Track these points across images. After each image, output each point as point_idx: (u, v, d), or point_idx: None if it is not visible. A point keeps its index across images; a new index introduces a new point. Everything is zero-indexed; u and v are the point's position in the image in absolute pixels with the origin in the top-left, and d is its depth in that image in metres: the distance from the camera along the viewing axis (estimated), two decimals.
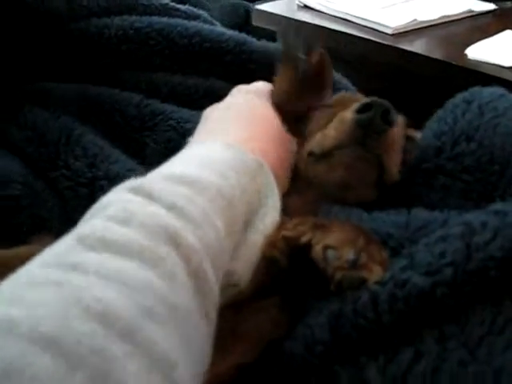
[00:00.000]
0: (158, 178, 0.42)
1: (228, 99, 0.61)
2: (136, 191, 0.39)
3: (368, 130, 0.48)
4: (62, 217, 0.64)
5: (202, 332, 0.35)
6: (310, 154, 0.54)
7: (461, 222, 0.41)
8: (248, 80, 0.78)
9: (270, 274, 0.46)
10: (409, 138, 0.57)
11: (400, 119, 0.51)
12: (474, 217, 0.41)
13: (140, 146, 0.70)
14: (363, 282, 0.41)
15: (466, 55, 1.11)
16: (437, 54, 1.17)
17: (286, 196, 0.52)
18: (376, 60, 1.24)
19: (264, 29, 1.35)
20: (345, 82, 0.84)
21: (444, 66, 1.13)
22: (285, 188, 0.53)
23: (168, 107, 0.72)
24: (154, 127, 0.69)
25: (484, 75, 1.08)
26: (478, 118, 0.53)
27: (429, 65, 1.15)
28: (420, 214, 0.46)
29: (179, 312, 0.33)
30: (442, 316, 0.40)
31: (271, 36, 1.31)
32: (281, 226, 0.47)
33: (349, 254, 0.41)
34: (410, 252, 0.41)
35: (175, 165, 0.45)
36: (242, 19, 1.46)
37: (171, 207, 0.38)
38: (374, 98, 0.49)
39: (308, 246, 0.44)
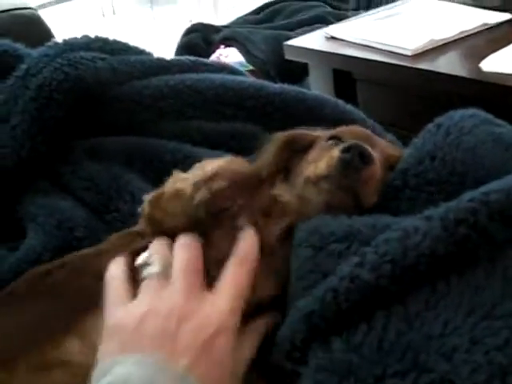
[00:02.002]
0: None
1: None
2: None
3: (349, 167, 0.60)
4: None
5: None
6: (307, 179, 0.66)
7: (400, 227, 0.53)
8: (268, 121, 0.91)
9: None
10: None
11: (377, 158, 0.63)
12: (410, 223, 0.53)
13: None
14: None
15: (480, 68, 1.17)
16: (456, 71, 1.23)
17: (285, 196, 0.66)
18: (399, 82, 1.33)
19: None
20: (362, 115, 0.94)
21: (462, 82, 1.20)
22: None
23: (197, 150, 0.85)
24: (186, 168, 0.83)
25: (500, 86, 1.14)
26: (443, 139, 0.62)
27: (448, 82, 1.21)
28: (384, 219, 0.58)
29: None
30: (390, 298, 0.51)
31: None
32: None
33: None
34: (364, 251, 0.53)
35: None
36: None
37: None
38: (354, 142, 0.62)
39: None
